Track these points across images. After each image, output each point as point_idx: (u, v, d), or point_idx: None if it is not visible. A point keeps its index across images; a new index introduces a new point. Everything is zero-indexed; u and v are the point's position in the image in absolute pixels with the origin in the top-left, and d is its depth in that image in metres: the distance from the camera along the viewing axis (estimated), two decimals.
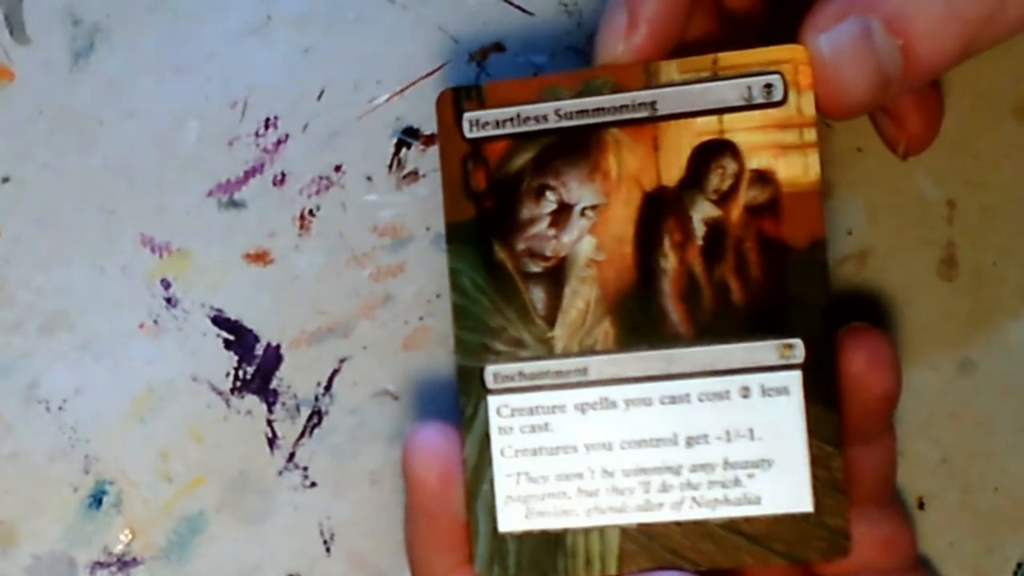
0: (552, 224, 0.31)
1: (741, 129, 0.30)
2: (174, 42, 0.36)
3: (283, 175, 0.36)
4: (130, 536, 0.36)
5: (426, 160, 0.36)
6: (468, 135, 0.31)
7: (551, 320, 0.31)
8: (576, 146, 0.31)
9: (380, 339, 0.36)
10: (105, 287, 0.36)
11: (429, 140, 0.36)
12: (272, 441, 0.36)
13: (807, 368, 0.30)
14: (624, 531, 0.31)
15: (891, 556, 0.33)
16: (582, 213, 0.31)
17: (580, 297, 0.31)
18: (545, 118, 0.31)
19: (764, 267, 0.30)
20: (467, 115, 0.31)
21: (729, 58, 0.30)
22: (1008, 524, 0.36)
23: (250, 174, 0.36)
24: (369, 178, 0.36)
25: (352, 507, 0.36)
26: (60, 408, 0.36)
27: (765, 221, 0.30)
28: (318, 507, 0.36)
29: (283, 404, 0.36)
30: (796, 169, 0.30)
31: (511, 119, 0.31)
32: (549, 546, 0.31)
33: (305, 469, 0.36)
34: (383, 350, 0.36)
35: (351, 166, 0.36)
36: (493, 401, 0.31)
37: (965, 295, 0.36)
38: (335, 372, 0.36)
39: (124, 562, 0.36)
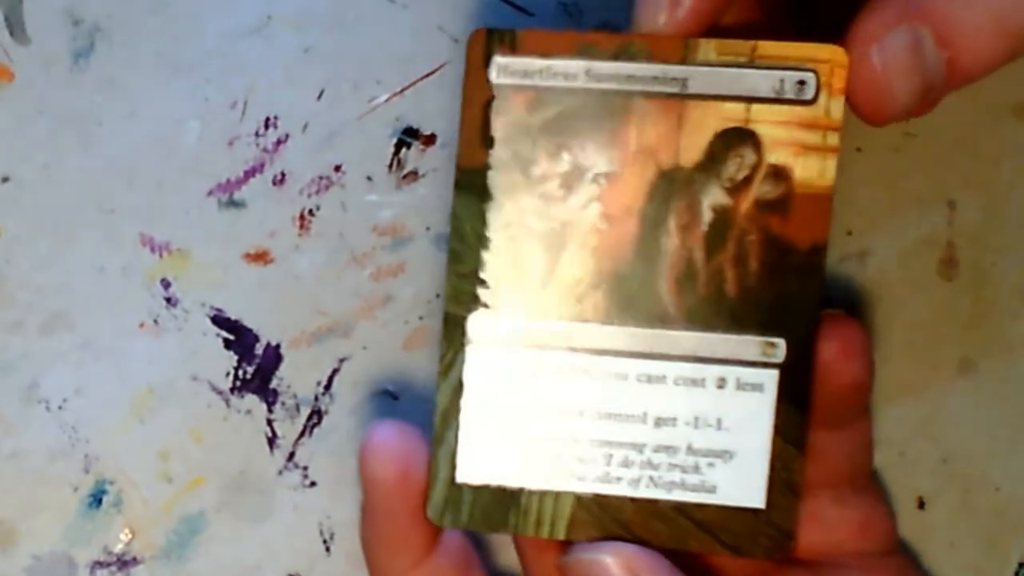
0: (562, 185, 0.31)
1: (766, 121, 0.30)
2: (174, 42, 0.36)
3: (283, 175, 0.36)
4: (130, 536, 0.36)
5: (426, 160, 0.36)
6: (495, 80, 0.30)
7: (544, 281, 0.31)
8: (600, 110, 0.30)
9: (380, 339, 0.36)
10: (105, 287, 0.36)
11: (429, 140, 0.36)
12: (272, 441, 0.36)
13: (785, 368, 0.30)
14: (579, 499, 0.31)
15: (868, 540, 0.33)
16: (593, 179, 0.30)
17: (576, 263, 0.31)
18: (575, 76, 0.30)
19: (763, 263, 0.30)
20: (497, 59, 0.30)
21: (768, 47, 0.30)
22: (1009, 524, 0.36)
23: (250, 174, 0.36)
24: (369, 178, 0.36)
25: (352, 507, 0.36)
26: (60, 408, 0.36)
27: (773, 218, 0.30)
28: (318, 507, 0.36)
29: (283, 404, 0.36)
30: (813, 171, 0.30)
31: (540, 71, 0.30)
32: (503, 502, 0.31)
33: (305, 469, 0.36)
34: (383, 350, 0.36)
35: (351, 166, 0.36)
36: (472, 352, 0.31)
37: (965, 295, 0.36)
38: (335, 372, 0.36)
39: (124, 562, 0.36)
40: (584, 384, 0.31)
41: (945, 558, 0.36)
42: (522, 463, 0.31)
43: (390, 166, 0.36)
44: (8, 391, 0.36)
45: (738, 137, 0.30)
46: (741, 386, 0.31)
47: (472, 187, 0.31)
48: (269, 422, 0.36)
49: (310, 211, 0.36)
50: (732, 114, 0.30)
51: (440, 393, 0.31)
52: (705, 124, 0.30)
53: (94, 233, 0.36)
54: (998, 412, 0.36)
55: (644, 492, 0.31)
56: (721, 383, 0.31)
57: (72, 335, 0.36)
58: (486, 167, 0.31)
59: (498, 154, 0.31)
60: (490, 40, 0.30)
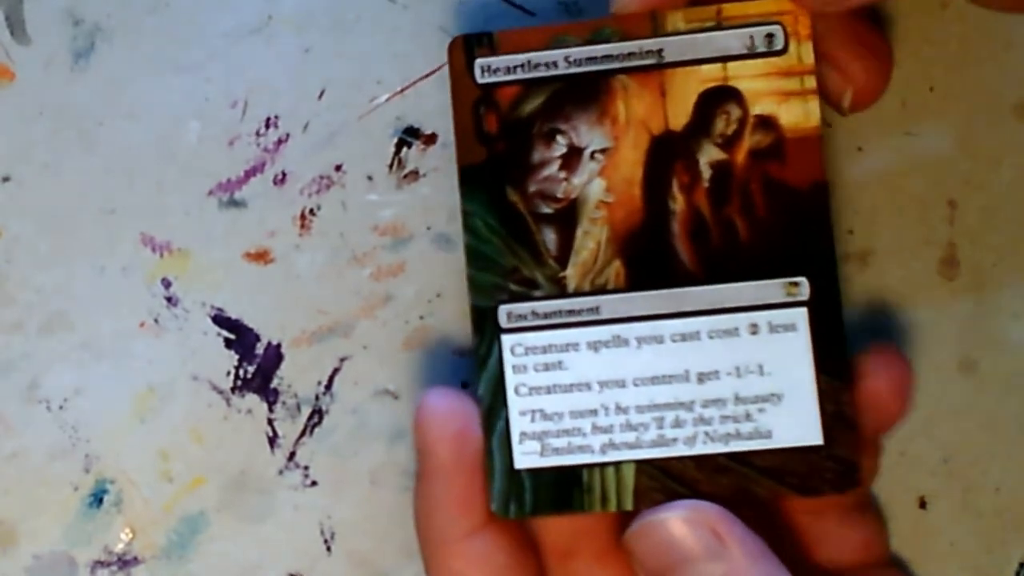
0: (563, 167, 0.32)
1: (744, 76, 0.31)
2: (174, 42, 0.36)
3: (283, 175, 0.36)
4: (130, 535, 0.36)
5: (426, 159, 0.36)
6: (480, 80, 0.32)
7: (563, 260, 0.32)
8: (585, 92, 0.32)
9: (380, 339, 0.36)
10: (105, 287, 0.36)
11: (429, 140, 0.36)
12: (272, 440, 0.36)
13: (813, 305, 0.31)
14: (639, 467, 0.31)
15: (867, 556, 0.33)
16: (592, 156, 0.32)
17: (591, 238, 0.32)
18: (555, 64, 0.32)
19: (769, 208, 0.31)
20: (479, 61, 0.32)
21: (733, 8, 0.31)
22: (1010, 524, 0.36)
23: (250, 174, 0.36)
24: (370, 178, 0.36)
25: (352, 507, 0.36)
26: (60, 408, 0.36)
27: (770, 164, 0.31)
28: (318, 506, 0.36)
29: (283, 403, 0.36)
30: (798, 115, 0.31)
31: (522, 65, 0.32)
32: (565, 482, 0.31)
33: (306, 468, 0.36)
34: (383, 350, 0.36)
35: (351, 166, 0.36)
36: (507, 340, 0.32)
37: (966, 295, 0.36)
38: (335, 371, 0.36)
39: (124, 561, 0.36)
40: (622, 352, 0.31)
41: (946, 558, 0.36)
42: (577, 441, 0.31)
43: (391, 166, 0.36)
44: (8, 391, 0.36)
45: (720, 95, 0.31)
46: (774, 329, 0.31)
47: (476, 183, 0.32)
48: (270, 422, 0.36)
49: (310, 211, 0.36)
50: (710, 75, 0.32)
51: (482, 385, 0.32)
52: (687, 88, 0.32)
53: (94, 233, 0.36)
54: (999, 412, 0.36)
55: (702, 448, 0.31)
56: (754, 329, 0.31)
57: (72, 335, 0.36)
58: (486, 162, 0.32)
59: (495, 148, 0.32)
60: (468, 45, 0.32)
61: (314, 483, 0.36)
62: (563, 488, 0.31)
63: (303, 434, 0.36)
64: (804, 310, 0.31)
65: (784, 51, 0.31)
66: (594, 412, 0.31)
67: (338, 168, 0.36)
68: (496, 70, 0.32)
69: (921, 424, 0.36)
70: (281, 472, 0.36)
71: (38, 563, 0.36)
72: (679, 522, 0.30)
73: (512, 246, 0.32)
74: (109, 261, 0.36)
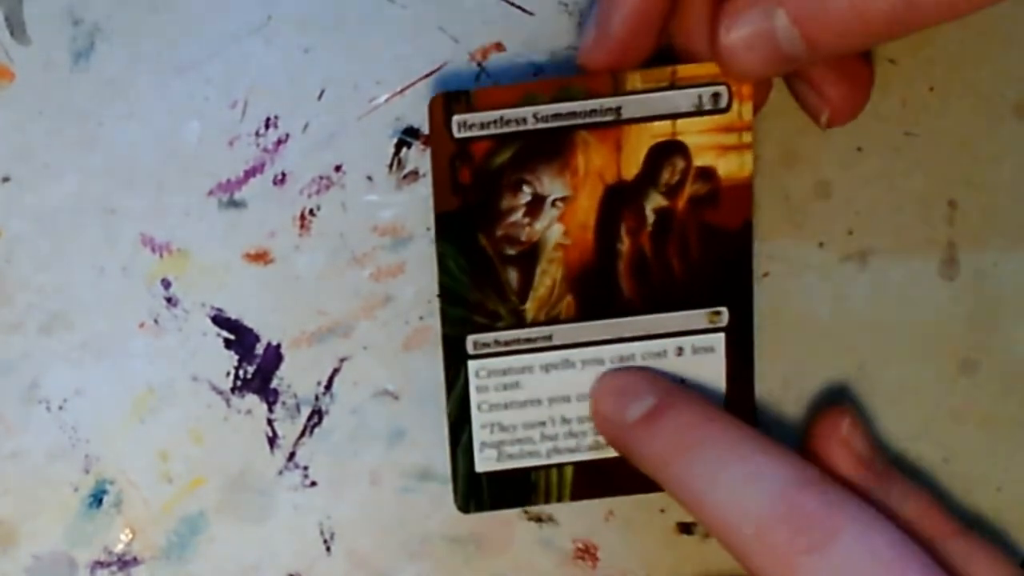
0: (527, 213, 0.35)
1: (691, 132, 0.34)
2: (174, 42, 0.36)
3: (283, 175, 0.36)
4: (130, 536, 0.36)
5: (426, 160, 0.36)
6: (456, 135, 0.34)
7: (523, 296, 0.35)
8: (550, 145, 0.35)
9: (380, 339, 0.36)
10: (105, 287, 0.36)
11: (429, 140, 0.36)
12: (272, 441, 0.36)
13: (730, 330, 0.35)
14: (577, 467, 0.36)
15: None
16: (553, 204, 0.35)
17: (548, 275, 0.35)
18: (524, 120, 0.34)
19: (701, 248, 0.35)
20: (455, 118, 0.34)
21: (686, 70, 0.34)
22: (1011, 524, 0.36)
23: (250, 174, 0.36)
24: (369, 178, 0.36)
25: (352, 507, 0.36)
26: (60, 408, 0.36)
27: (706, 210, 0.35)
28: (318, 507, 0.36)
29: (283, 404, 0.36)
30: (734, 165, 0.35)
31: (495, 121, 0.34)
32: (516, 482, 0.36)
33: (305, 469, 0.36)
34: (383, 350, 0.36)
35: (351, 166, 0.36)
36: (473, 365, 0.35)
37: (966, 295, 0.36)
38: (335, 372, 0.36)
39: (124, 562, 0.36)
40: (569, 373, 0.35)
41: None
42: (528, 448, 0.36)
43: (390, 166, 0.36)
44: (8, 391, 0.36)
45: (668, 149, 0.35)
46: (696, 351, 0.35)
47: (450, 229, 0.35)
48: (269, 422, 0.36)
49: (310, 211, 0.36)
50: (661, 130, 0.35)
51: (450, 403, 0.35)
52: (640, 142, 0.35)
53: (94, 233, 0.36)
54: (999, 412, 0.36)
55: None
56: (680, 351, 0.35)
57: (72, 335, 0.36)
58: (460, 210, 0.35)
59: (468, 197, 0.35)
60: (448, 102, 0.34)
61: (314, 483, 0.36)
62: (514, 487, 0.36)
63: (303, 434, 0.36)
64: (722, 335, 0.35)
65: (727, 109, 0.34)
66: (543, 424, 0.36)
67: (338, 168, 0.36)
68: (472, 126, 0.34)
69: (922, 424, 0.36)
70: (281, 472, 0.36)
71: (38, 563, 0.36)
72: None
73: (480, 284, 0.35)
74: (109, 261, 0.36)
